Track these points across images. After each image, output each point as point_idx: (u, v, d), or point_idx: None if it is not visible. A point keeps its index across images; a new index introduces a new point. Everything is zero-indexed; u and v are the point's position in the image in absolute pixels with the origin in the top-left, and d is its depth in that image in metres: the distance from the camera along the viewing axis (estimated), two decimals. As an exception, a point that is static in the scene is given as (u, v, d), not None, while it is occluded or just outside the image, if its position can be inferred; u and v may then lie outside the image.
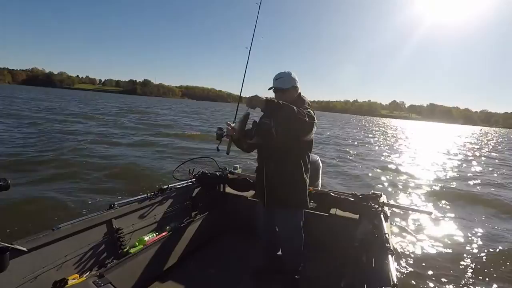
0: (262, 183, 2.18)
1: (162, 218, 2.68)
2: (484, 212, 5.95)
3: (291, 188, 2.11)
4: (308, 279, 2.44)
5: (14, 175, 6.82)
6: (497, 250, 4.16)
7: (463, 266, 3.68)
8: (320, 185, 3.35)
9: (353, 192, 2.72)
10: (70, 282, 1.76)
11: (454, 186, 8.24)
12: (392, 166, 11.12)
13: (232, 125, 2.11)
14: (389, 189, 7.61)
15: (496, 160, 15.44)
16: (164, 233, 2.55)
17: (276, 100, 1.85)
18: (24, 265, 1.66)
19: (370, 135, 27.66)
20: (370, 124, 60.91)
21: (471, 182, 9.09)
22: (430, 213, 2.81)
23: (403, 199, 6.71)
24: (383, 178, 9.07)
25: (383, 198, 2.60)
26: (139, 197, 2.51)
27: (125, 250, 2.22)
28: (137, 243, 2.33)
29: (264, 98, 1.86)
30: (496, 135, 61.75)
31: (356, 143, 19.79)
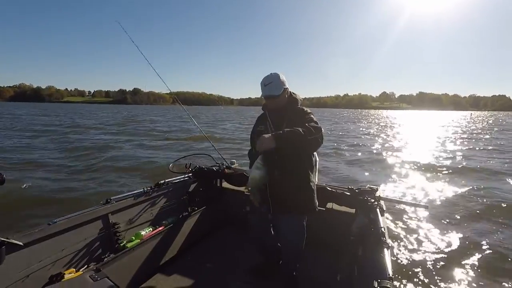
0: (264, 191, 1.99)
1: (159, 212, 2.69)
2: (482, 205, 5.88)
3: (300, 195, 2.04)
4: (305, 273, 2.45)
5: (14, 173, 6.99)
6: (494, 243, 4.15)
7: (458, 260, 3.68)
8: (316, 179, 3.36)
9: (349, 186, 2.71)
10: (67, 276, 1.77)
11: (449, 177, 8.19)
12: (387, 158, 11.14)
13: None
14: (384, 182, 7.60)
15: (490, 147, 15.57)
16: (161, 228, 2.56)
17: (283, 131, 1.76)
18: (20, 260, 1.67)
19: (363, 129, 27.77)
20: (363, 117, 61.16)
21: (466, 173, 8.97)
22: (426, 207, 2.78)
23: (398, 193, 6.70)
24: (378, 170, 9.09)
25: (379, 192, 2.60)
26: (136, 191, 2.51)
27: (121, 244, 2.22)
28: (133, 238, 2.33)
29: (272, 137, 1.74)
30: (486, 119, 62.41)
31: (351, 136, 19.84)
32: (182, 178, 3.02)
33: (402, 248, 3.91)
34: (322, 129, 1.89)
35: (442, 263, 3.57)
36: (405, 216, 4.96)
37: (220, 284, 2.43)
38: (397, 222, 4.74)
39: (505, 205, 5.71)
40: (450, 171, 8.94)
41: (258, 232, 2.33)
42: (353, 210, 2.68)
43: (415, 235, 4.31)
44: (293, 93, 2.09)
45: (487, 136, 21.56)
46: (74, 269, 1.88)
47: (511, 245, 4.10)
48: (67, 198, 5.53)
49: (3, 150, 10.78)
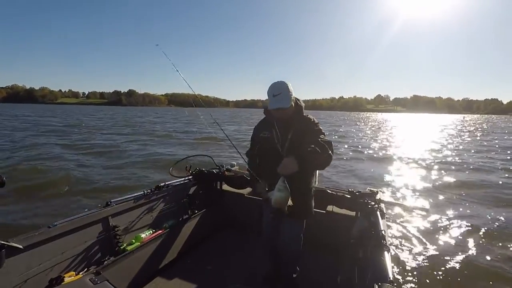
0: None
1: (159, 215, 2.68)
2: (482, 206, 5.95)
3: (302, 200, 2.04)
4: (305, 276, 2.45)
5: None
6: (495, 245, 4.17)
7: (459, 263, 3.69)
8: (317, 182, 3.35)
9: (350, 189, 2.71)
10: (67, 279, 1.76)
11: (448, 179, 8.27)
12: (387, 160, 11.23)
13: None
14: (385, 185, 7.63)
15: (485, 148, 15.82)
16: (161, 231, 2.55)
17: (303, 153, 1.75)
18: (20, 263, 1.66)
19: (361, 130, 27.98)
20: (358, 119, 61.52)
21: (466, 174, 9.11)
22: (426, 210, 2.78)
23: (398, 195, 6.74)
24: (378, 173, 9.12)
25: (380, 195, 2.60)
26: (136, 194, 2.50)
27: (121, 247, 2.21)
28: (134, 241, 2.32)
29: (295, 161, 1.73)
30: (479, 122, 63.28)
31: (348, 137, 19.99)
32: (182, 180, 3.01)
33: (402, 252, 3.92)
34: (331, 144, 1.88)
35: (442, 266, 3.58)
36: (405, 219, 4.98)
37: (220, 287, 2.42)
38: (397, 225, 4.75)
39: (507, 208, 5.74)
40: (450, 174, 9.02)
41: (270, 237, 2.32)
42: (353, 213, 2.69)
43: (415, 239, 4.32)
44: (297, 99, 2.05)
45: (487, 139, 21.85)
46: (74, 272, 1.88)
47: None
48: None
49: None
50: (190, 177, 3.10)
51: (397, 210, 5.13)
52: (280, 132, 2.00)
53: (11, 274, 1.61)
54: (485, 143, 18.68)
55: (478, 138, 22.48)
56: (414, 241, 4.25)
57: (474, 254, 3.95)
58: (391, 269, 1.54)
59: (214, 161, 3.40)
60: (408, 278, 3.30)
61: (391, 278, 1.44)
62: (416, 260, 3.71)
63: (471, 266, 3.63)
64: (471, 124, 49.75)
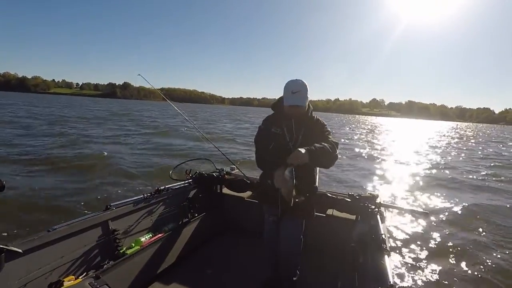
0: (275, 197, 1.99)
1: (158, 219, 2.67)
2: (481, 210, 6.01)
3: (306, 200, 2.05)
4: (305, 280, 2.46)
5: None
6: (496, 249, 4.22)
7: (459, 267, 3.74)
8: (317, 185, 3.33)
9: (350, 193, 2.72)
10: (66, 284, 1.74)
11: (449, 184, 8.38)
12: (385, 165, 11.37)
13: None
14: (383, 189, 7.72)
15: (480, 153, 16.18)
16: (160, 234, 2.54)
17: (315, 148, 1.78)
18: (19, 267, 1.65)
19: (357, 136, 28.19)
20: (356, 122, 62.01)
21: (466, 181, 9.24)
22: (426, 214, 2.77)
23: (398, 199, 6.79)
24: (376, 177, 9.22)
25: (380, 199, 2.61)
26: (136, 198, 2.49)
27: (121, 251, 2.20)
28: (133, 244, 2.31)
29: (307, 153, 1.74)
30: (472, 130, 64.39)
31: (347, 141, 20.18)
32: (182, 184, 3.01)
33: (403, 255, 3.95)
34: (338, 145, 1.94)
35: (443, 270, 3.62)
36: (405, 223, 5.02)
37: None
38: (397, 229, 4.78)
39: (509, 213, 5.82)
40: (450, 178, 9.17)
41: (270, 240, 2.32)
42: (353, 217, 2.69)
43: (415, 242, 4.35)
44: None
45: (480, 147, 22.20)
46: (74, 277, 1.86)
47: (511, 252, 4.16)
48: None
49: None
50: (190, 180, 3.09)
51: (397, 214, 5.17)
52: (290, 130, 2.02)
53: (11, 278, 1.60)
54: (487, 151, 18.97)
55: (474, 145, 22.78)
56: (415, 245, 4.28)
57: (474, 257, 3.98)
58: (391, 273, 1.55)
59: (214, 164, 3.38)
60: (408, 282, 3.34)
61: (391, 282, 1.45)
62: (417, 264, 3.74)
63: (471, 270, 3.67)
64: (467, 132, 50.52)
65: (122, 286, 2.12)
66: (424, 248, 4.20)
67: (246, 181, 3.10)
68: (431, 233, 4.73)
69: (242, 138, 17.25)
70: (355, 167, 10.46)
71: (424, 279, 3.41)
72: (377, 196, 2.61)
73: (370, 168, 10.49)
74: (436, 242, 4.42)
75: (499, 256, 4.04)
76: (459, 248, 4.24)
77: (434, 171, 10.47)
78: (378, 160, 12.26)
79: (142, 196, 2.53)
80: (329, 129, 2.03)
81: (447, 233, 4.79)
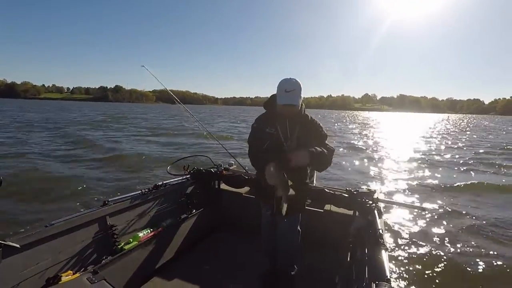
0: (271, 194, 1.95)
1: (156, 214, 2.65)
2: (478, 204, 6.04)
3: (299, 195, 2.04)
4: (303, 275, 2.47)
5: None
6: (493, 244, 4.24)
7: (456, 261, 3.76)
8: (314, 181, 3.35)
9: (348, 188, 2.72)
10: (64, 279, 1.74)
11: (446, 181, 8.36)
12: (382, 160, 11.39)
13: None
14: (380, 184, 7.76)
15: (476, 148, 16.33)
16: (158, 230, 2.53)
17: (316, 151, 1.82)
18: (17, 262, 1.64)
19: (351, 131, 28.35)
20: (349, 118, 62.27)
21: (460, 173, 9.32)
22: (423, 209, 2.76)
23: (395, 194, 6.82)
24: (372, 172, 9.25)
25: (377, 194, 2.62)
26: (134, 193, 2.48)
27: (119, 246, 2.19)
28: (131, 240, 2.29)
29: (308, 155, 1.79)
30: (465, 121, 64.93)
31: (342, 136, 20.25)
32: (180, 179, 2.99)
33: (400, 250, 3.97)
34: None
35: (439, 265, 3.65)
36: (402, 218, 5.04)
37: (218, 286, 2.42)
38: (395, 224, 4.80)
39: (506, 209, 5.84)
40: (448, 174, 9.21)
41: (268, 235, 2.33)
42: (351, 212, 2.71)
43: (412, 237, 4.37)
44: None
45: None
46: (72, 272, 1.85)
47: (509, 249, 4.18)
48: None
49: None
50: (188, 176, 3.08)
51: (395, 209, 5.20)
52: (285, 130, 2.00)
53: (8, 273, 1.58)
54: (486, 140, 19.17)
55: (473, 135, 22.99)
56: (412, 240, 4.30)
57: (471, 252, 4.02)
58: (389, 268, 1.55)
59: (212, 160, 3.38)
60: (406, 276, 3.36)
61: (389, 277, 1.45)
62: (414, 259, 3.77)
63: (468, 264, 3.69)
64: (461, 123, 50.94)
65: (120, 281, 2.12)
66: (421, 242, 4.22)
67: (244, 177, 3.11)
68: (428, 228, 4.76)
69: (241, 136, 17.39)
70: (347, 161, 10.54)
71: (421, 273, 3.44)
72: (374, 192, 2.61)
73: (361, 162, 10.59)
74: (433, 237, 4.45)
75: (496, 251, 4.07)
76: (455, 243, 4.28)
77: (425, 164, 10.57)
78: (368, 152, 12.43)
79: (140, 191, 2.52)
80: (325, 132, 2.02)
81: (443, 227, 4.83)
